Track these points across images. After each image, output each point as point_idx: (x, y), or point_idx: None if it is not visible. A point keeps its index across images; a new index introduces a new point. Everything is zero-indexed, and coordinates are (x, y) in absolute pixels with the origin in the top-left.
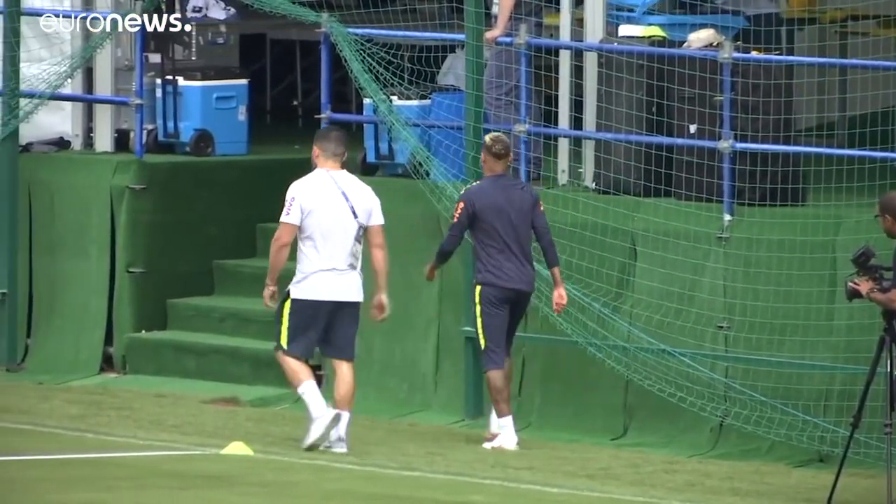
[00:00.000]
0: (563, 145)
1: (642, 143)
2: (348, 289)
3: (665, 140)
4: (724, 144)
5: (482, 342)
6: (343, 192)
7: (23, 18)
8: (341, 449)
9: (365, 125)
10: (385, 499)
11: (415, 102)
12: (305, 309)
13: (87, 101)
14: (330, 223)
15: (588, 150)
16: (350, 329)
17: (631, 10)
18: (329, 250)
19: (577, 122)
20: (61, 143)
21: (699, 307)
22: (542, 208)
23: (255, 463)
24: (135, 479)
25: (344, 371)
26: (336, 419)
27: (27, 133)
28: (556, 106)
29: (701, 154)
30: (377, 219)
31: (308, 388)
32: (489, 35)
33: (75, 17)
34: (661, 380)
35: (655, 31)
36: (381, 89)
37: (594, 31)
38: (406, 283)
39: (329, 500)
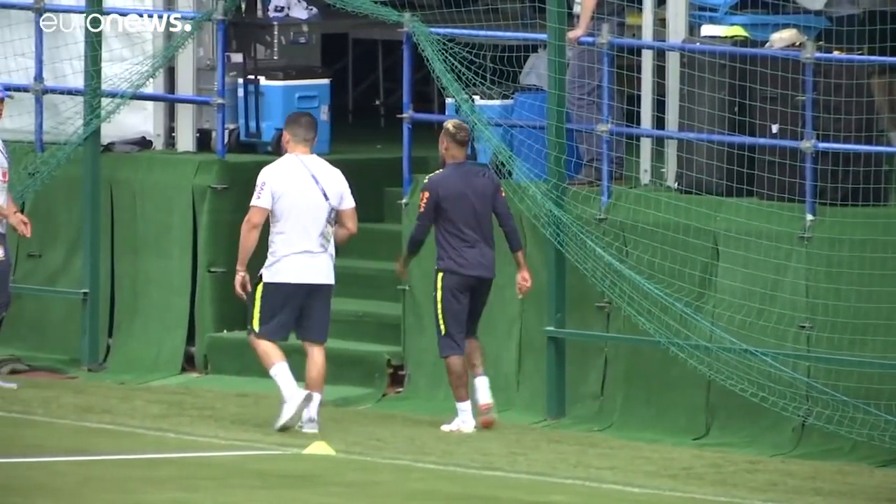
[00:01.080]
0: (646, 145)
1: (724, 143)
2: (320, 271)
3: (747, 140)
4: (807, 144)
5: (442, 328)
6: (313, 176)
7: (105, 18)
8: (312, 429)
9: None
10: (467, 498)
11: (497, 102)
12: (278, 292)
13: (169, 101)
14: (301, 206)
15: (670, 150)
16: (323, 311)
17: (713, 10)
18: (300, 233)
19: (659, 122)
20: (143, 143)
21: (781, 307)
22: (503, 194)
23: (336, 463)
24: (217, 479)
25: (315, 354)
26: (308, 399)
27: (109, 133)
28: (639, 106)
29: (783, 154)
30: (349, 202)
31: (280, 370)
32: (571, 35)
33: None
34: (744, 379)
35: (738, 30)
36: (464, 89)
37: (676, 30)
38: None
39: (411, 499)
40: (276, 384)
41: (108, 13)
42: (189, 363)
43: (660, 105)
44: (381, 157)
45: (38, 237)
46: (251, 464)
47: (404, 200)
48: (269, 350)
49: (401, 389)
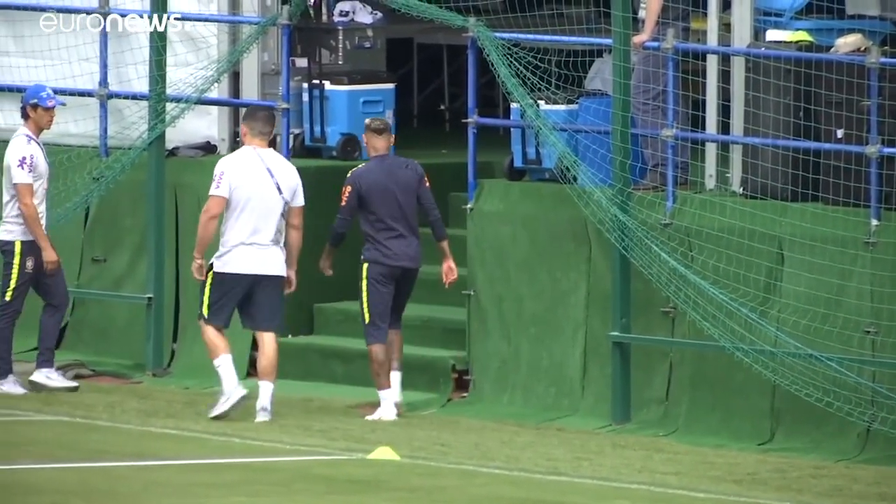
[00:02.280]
0: (711, 150)
1: (789, 148)
2: (268, 262)
3: (812, 145)
4: (872, 149)
5: (366, 317)
6: (269, 169)
7: (169, 22)
8: (264, 418)
9: (512, 130)
10: (531, 503)
11: (562, 107)
12: (226, 282)
13: (234, 106)
14: (255, 199)
15: (735, 155)
16: (271, 301)
17: (779, 15)
18: (252, 225)
19: (724, 127)
20: (208, 148)
21: (846, 312)
22: (427, 184)
23: (401, 468)
24: (283, 484)
25: (266, 342)
26: (245, 398)
27: (174, 137)
28: (704, 110)
29: (848, 159)
30: (299, 200)
31: (224, 362)
32: (637, 39)
33: (222, 22)
34: (808, 384)
35: (803, 35)
36: (528, 94)
37: (742, 35)
38: (554, 287)
39: None
40: (218, 375)
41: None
42: (253, 368)
43: (725, 110)
44: (445, 162)
45: (102, 242)
46: (316, 469)
47: (469, 205)
48: (216, 341)
49: (465, 394)
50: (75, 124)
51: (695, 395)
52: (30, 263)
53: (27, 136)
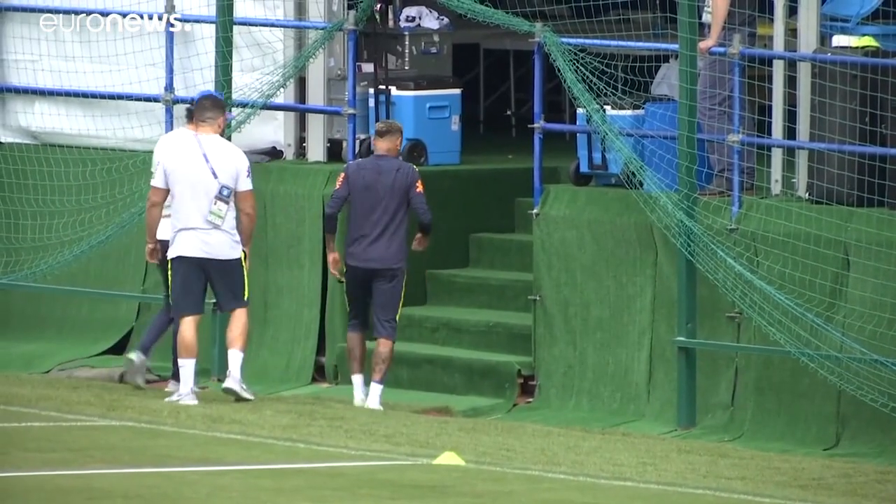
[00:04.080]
0: (777, 155)
1: (855, 153)
2: (211, 246)
3: (878, 150)
4: None
5: (347, 307)
6: (204, 154)
7: (235, 28)
8: (231, 385)
9: (578, 135)
10: None
11: (628, 112)
12: (180, 266)
13: (300, 111)
14: (189, 182)
15: (801, 160)
16: (228, 284)
17: (845, 21)
18: (188, 209)
19: (790, 133)
20: (274, 153)
21: None
22: (419, 189)
23: (466, 473)
24: (348, 489)
25: (235, 316)
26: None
27: (240, 143)
28: (770, 116)
29: None
30: (242, 184)
31: (186, 364)
32: (703, 45)
33: (288, 27)
34: (874, 390)
35: (869, 41)
36: (595, 99)
37: (808, 41)
38: (619, 292)
39: None
40: (180, 372)
41: (239, 23)
42: (319, 373)
43: (791, 115)
44: (511, 168)
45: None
46: (381, 474)
47: (535, 210)
48: (185, 340)
49: (531, 400)
50: (141, 129)
51: (760, 400)
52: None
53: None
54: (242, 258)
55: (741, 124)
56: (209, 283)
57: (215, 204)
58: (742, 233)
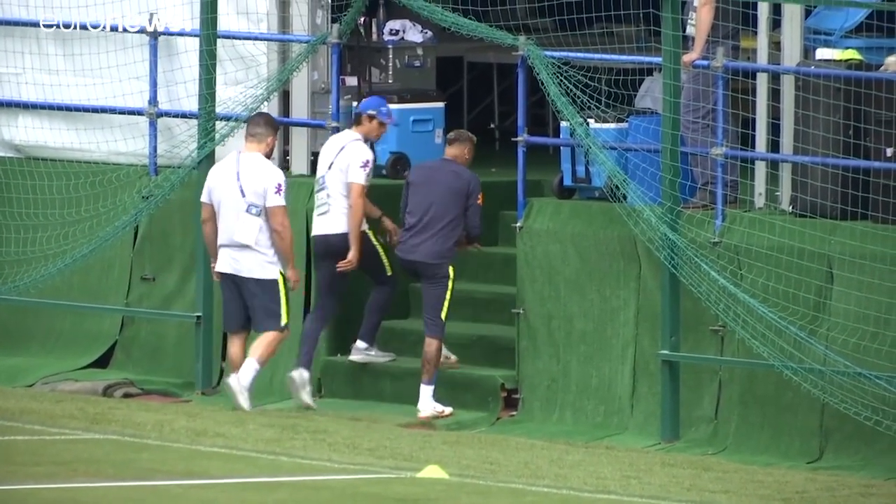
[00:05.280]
0: (760, 168)
1: (839, 167)
2: (240, 263)
3: (862, 163)
4: None
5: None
6: (237, 172)
7: (219, 41)
8: (233, 383)
9: (562, 148)
10: None
11: (612, 126)
12: (222, 283)
13: (284, 124)
14: (223, 201)
15: (785, 174)
16: (259, 303)
17: (828, 34)
18: (223, 226)
19: (773, 146)
20: None
21: (895, 330)
22: (478, 202)
23: (450, 486)
24: (331, 503)
25: (267, 334)
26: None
27: (223, 156)
28: (753, 129)
29: None
30: (271, 200)
31: (230, 380)
32: (686, 58)
33: (272, 40)
34: (858, 403)
35: (853, 54)
36: (578, 112)
37: (791, 54)
38: (603, 305)
39: None
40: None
41: (223, 37)
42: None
43: (774, 128)
44: (495, 181)
45: (152, 261)
46: (364, 487)
47: (519, 224)
48: (230, 357)
49: (514, 413)
50: (125, 143)
51: (744, 414)
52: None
53: (360, 139)
54: (280, 279)
55: (725, 137)
56: (244, 301)
57: (241, 221)
58: (726, 246)
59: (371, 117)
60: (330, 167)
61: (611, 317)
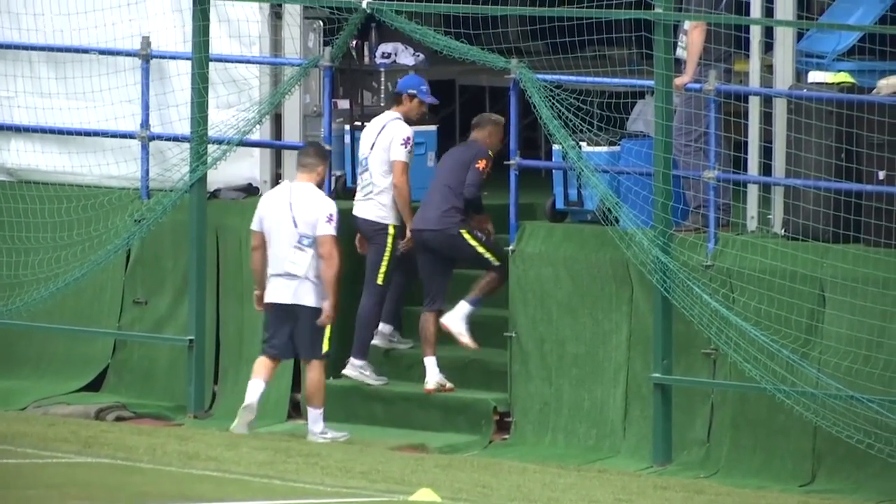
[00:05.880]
0: (753, 191)
1: (831, 190)
2: (289, 292)
3: (854, 186)
4: None
5: None
6: (290, 202)
7: (211, 64)
8: (312, 438)
9: (554, 171)
10: None
11: (604, 149)
12: (267, 310)
13: (276, 148)
14: (275, 231)
15: (777, 197)
16: (302, 332)
17: (821, 57)
18: (273, 256)
19: (766, 169)
20: (249, 190)
21: (888, 353)
22: (478, 165)
23: None
24: None
25: (309, 367)
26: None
27: (216, 179)
28: (745, 152)
29: (890, 200)
30: (322, 229)
31: (252, 384)
32: (678, 81)
33: (263, 64)
34: (850, 426)
35: (845, 77)
36: (570, 135)
37: (784, 77)
38: (595, 329)
39: None
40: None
41: (215, 60)
42: (295, 410)
43: (766, 151)
44: (487, 204)
45: (144, 284)
46: None
47: (511, 247)
48: (257, 365)
49: (507, 436)
50: (117, 166)
51: (736, 437)
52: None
53: (400, 118)
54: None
55: (717, 160)
56: (291, 331)
57: (294, 253)
58: (718, 269)
59: (412, 96)
60: (372, 147)
61: (603, 340)
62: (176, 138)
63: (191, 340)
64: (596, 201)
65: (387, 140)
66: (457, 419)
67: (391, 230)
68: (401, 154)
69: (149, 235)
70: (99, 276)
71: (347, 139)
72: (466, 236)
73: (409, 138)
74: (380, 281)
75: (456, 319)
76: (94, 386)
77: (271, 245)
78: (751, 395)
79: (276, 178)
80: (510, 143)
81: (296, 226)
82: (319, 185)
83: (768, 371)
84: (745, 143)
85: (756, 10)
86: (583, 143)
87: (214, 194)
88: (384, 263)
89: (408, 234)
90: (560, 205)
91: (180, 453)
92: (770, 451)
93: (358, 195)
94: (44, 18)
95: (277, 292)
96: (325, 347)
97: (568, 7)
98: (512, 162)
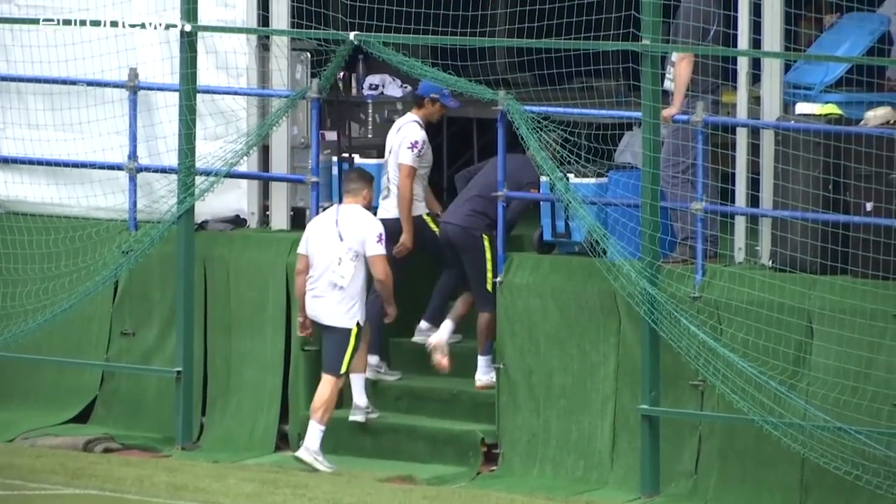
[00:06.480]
0: (740, 223)
1: (819, 221)
2: (319, 309)
3: (841, 218)
4: None
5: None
6: (336, 220)
7: (199, 96)
8: (303, 455)
9: (541, 203)
10: None
11: (591, 180)
12: (316, 327)
13: (263, 179)
14: (319, 251)
15: (764, 228)
16: (329, 347)
17: (808, 89)
18: (316, 276)
19: (753, 200)
20: (237, 221)
21: (875, 385)
22: (532, 191)
23: None
24: None
25: (323, 381)
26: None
27: (203, 211)
28: (733, 184)
29: (877, 232)
30: (370, 249)
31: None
32: (666, 113)
33: (251, 95)
34: (838, 457)
35: (832, 109)
36: (558, 167)
37: (771, 108)
38: (583, 360)
39: None
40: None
41: (202, 91)
42: (283, 442)
43: (754, 183)
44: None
45: (131, 316)
46: None
47: (499, 279)
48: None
49: (495, 468)
50: (104, 198)
51: (724, 468)
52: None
53: (418, 121)
54: (353, 332)
55: (705, 192)
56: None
57: (340, 264)
58: (705, 300)
59: (434, 100)
60: (390, 151)
61: (591, 371)
62: (164, 170)
63: (178, 372)
64: (584, 233)
65: (398, 143)
66: (444, 450)
67: (426, 218)
68: (407, 157)
69: (136, 267)
70: (87, 307)
71: (335, 171)
72: (486, 244)
73: (416, 142)
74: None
75: (484, 376)
76: (83, 417)
77: (315, 266)
78: (738, 426)
79: (264, 210)
80: (498, 175)
81: (341, 239)
82: (367, 208)
83: (756, 402)
84: (733, 175)
85: (743, 41)
86: (570, 175)
87: (202, 226)
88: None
89: (402, 238)
90: (548, 236)
91: (168, 485)
92: (758, 483)
93: (380, 197)
94: (32, 50)
95: (315, 310)
96: (343, 368)
97: (555, 38)
98: (499, 194)
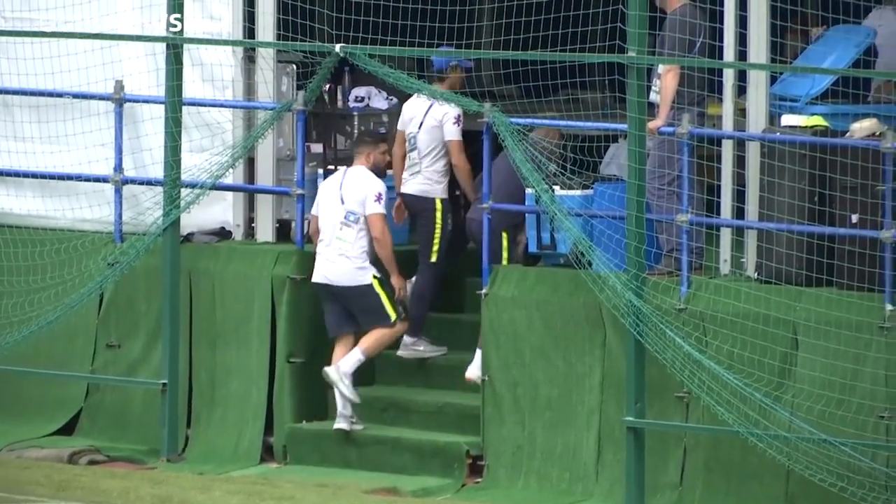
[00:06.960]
0: (725, 235)
1: (804, 233)
2: (332, 273)
3: (827, 230)
4: (886, 234)
5: None
6: (340, 183)
7: (184, 108)
8: (331, 373)
9: (527, 215)
10: None
11: (577, 192)
12: (319, 291)
13: (249, 192)
14: (324, 212)
15: (750, 240)
16: (361, 308)
17: (794, 101)
18: (325, 239)
19: (739, 212)
20: (222, 234)
21: (861, 397)
22: None
23: None
24: None
25: (376, 329)
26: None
27: (188, 223)
28: (718, 195)
29: (863, 244)
30: (369, 208)
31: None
32: (652, 125)
33: (237, 108)
34: (823, 469)
35: (818, 120)
36: (544, 179)
37: (757, 120)
38: (568, 372)
39: None
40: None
41: (188, 104)
42: (268, 454)
43: (739, 195)
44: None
45: (117, 328)
46: None
47: (484, 290)
48: (335, 353)
49: (480, 480)
50: (90, 210)
51: (709, 480)
52: (450, 222)
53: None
54: (375, 283)
55: (690, 204)
56: (345, 309)
57: (340, 229)
58: (691, 312)
59: (454, 67)
60: (420, 126)
61: (576, 383)
62: (149, 182)
63: (164, 384)
64: (569, 245)
65: (436, 119)
66: (430, 462)
67: (438, 204)
68: (454, 133)
69: (122, 279)
70: (72, 319)
71: (321, 182)
72: (505, 241)
73: (459, 116)
74: (433, 259)
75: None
76: (68, 429)
77: (323, 229)
78: (724, 438)
79: (250, 222)
80: (483, 187)
81: (342, 202)
82: (373, 169)
83: (741, 414)
84: (718, 187)
85: (729, 53)
86: (556, 187)
87: (187, 238)
88: (436, 241)
89: (474, 201)
90: (533, 248)
91: (153, 496)
92: (743, 495)
93: (405, 173)
94: (18, 63)
95: (317, 272)
96: (393, 315)
97: (541, 51)
98: (485, 206)
